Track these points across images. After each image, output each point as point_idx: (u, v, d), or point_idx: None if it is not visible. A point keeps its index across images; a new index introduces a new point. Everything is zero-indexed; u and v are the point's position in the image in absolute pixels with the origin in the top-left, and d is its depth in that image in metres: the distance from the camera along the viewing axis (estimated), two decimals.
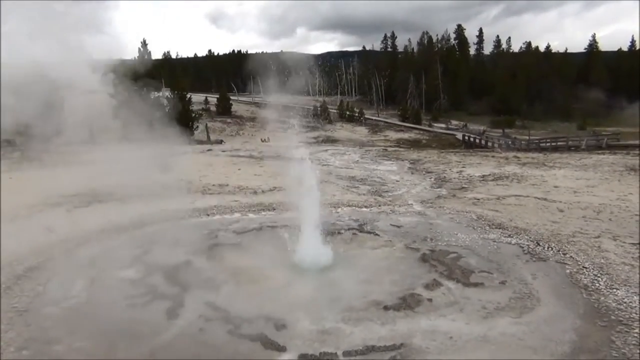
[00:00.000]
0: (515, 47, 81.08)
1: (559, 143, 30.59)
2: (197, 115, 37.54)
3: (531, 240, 8.21)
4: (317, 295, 5.96)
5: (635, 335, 4.82)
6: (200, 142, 32.79)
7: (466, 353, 4.58)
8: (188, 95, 36.92)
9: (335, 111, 56.08)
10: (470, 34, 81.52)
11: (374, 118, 58.00)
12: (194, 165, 19.61)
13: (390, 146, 36.98)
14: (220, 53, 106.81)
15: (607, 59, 71.68)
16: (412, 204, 11.71)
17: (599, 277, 6.43)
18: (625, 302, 5.59)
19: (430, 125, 53.25)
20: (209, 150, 26.52)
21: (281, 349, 4.67)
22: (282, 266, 6.79)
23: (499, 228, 9.12)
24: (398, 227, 9.26)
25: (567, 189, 13.73)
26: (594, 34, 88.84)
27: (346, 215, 10.22)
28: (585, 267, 6.81)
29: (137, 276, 6.63)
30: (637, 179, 14.97)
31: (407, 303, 5.63)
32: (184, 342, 4.84)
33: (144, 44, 35.90)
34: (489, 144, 34.35)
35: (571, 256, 7.33)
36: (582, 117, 52.40)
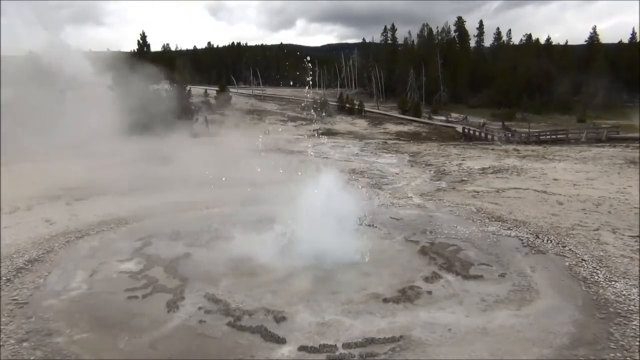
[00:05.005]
0: (516, 39, 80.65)
1: (558, 136, 30.51)
2: (196, 108, 37.38)
3: (530, 233, 8.22)
4: (316, 287, 5.97)
5: (634, 327, 4.84)
6: (200, 135, 32.65)
7: (465, 345, 4.60)
8: (187, 88, 36.74)
9: (334, 104, 55.81)
10: (471, 26, 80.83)
11: (373, 111, 57.77)
12: (194, 157, 19.55)
13: (390, 139, 36.85)
14: (220, 45, 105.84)
15: (607, 51, 71.26)
16: (411, 197, 11.70)
17: (597, 269, 6.46)
18: (623, 295, 5.61)
19: (430, 118, 53.04)
20: (208, 143, 26.42)
21: (281, 341, 4.69)
22: (281, 259, 6.79)
23: (499, 221, 9.13)
24: (397, 219, 9.27)
25: (567, 182, 13.73)
26: (595, 26, 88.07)
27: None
28: (584, 260, 6.83)
29: (137, 268, 6.66)
30: (636, 172, 14.98)
31: (407, 296, 5.65)
32: (184, 334, 4.86)
33: (143, 36, 35.76)
34: (489, 136, 34.22)
35: (570, 249, 7.35)
36: (582, 109, 52.23)
